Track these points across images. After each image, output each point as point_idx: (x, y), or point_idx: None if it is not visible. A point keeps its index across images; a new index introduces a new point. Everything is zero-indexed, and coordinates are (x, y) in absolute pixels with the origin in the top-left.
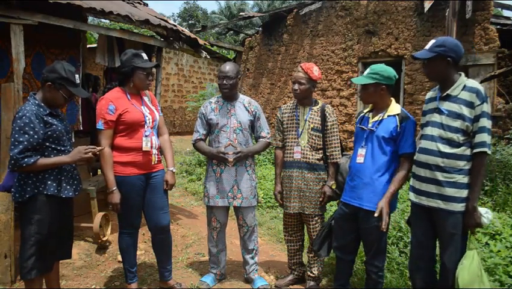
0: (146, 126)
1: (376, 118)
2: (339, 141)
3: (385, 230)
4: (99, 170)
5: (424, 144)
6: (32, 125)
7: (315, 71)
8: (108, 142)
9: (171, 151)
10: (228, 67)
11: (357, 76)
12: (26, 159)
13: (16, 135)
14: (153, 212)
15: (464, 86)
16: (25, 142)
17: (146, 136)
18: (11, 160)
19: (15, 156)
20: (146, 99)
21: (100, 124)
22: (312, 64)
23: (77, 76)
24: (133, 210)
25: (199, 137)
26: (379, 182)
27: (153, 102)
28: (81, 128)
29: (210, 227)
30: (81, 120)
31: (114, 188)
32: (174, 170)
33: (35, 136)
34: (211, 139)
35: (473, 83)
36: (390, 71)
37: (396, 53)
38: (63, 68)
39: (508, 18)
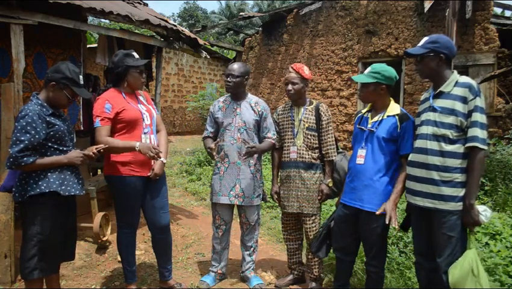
0: (144, 124)
1: (375, 119)
2: (334, 139)
3: (387, 227)
4: (99, 170)
5: (419, 143)
6: (34, 125)
7: (306, 70)
8: (108, 135)
9: (165, 144)
10: (235, 65)
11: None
12: (25, 158)
13: (18, 134)
14: (153, 212)
15: (457, 82)
16: (26, 142)
17: (144, 133)
18: (10, 158)
19: (15, 154)
20: (141, 98)
21: (97, 122)
22: (302, 64)
23: (81, 76)
24: (132, 210)
25: (206, 135)
26: (380, 183)
27: (149, 101)
28: (82, 128)
29: (214, 224)
30: (81, 120)
31: (137, 144)
32: (164, 161)
33: (36, 136)
34: (218, 137)
35: (466, 78)
36: (391, 71)
37: (396, 53)
38: (68, 68)
39: (508, 18)
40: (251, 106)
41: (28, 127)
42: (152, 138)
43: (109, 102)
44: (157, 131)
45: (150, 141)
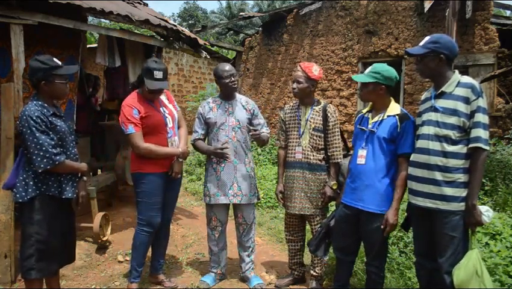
0: (167, 128)
1: (376, 119)
2: (340, 141)
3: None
4: (99, 170)
5: (420, 143)
6: (44, 124)
7: (315, 70)
8: (143, 141)
9: (184, 139)
10: (228, 66)
11: None
12: (58, 157)
13: (37, 134)
14: (165, 208)
15: (459, 82)
16: (49, 140)
17: (169, 137)
18: (44, 158)
19: (48, 154)
20: (163, 97)
21: (131, 128)
22: (312, 63)
23: (55, 58)
24: (155, 207)
25: (197, 137)
26: (381, 183)
27: (170, 99)
28: (74, 128)
29: (210, 226)
30: (75, 120)
31: (179, 151)
32: (181, 160)
33: (51, 134)
34: (210, 138)
35: (468, 79)
36: (392, 72)
37: (396, 53)
38: (39, 61)
39: (508, 18)
40: (242, 106)
41: (43, 127)
42: (175, 141)
43: (135, 108)
44: (178, 127)
45: (174, 144)
